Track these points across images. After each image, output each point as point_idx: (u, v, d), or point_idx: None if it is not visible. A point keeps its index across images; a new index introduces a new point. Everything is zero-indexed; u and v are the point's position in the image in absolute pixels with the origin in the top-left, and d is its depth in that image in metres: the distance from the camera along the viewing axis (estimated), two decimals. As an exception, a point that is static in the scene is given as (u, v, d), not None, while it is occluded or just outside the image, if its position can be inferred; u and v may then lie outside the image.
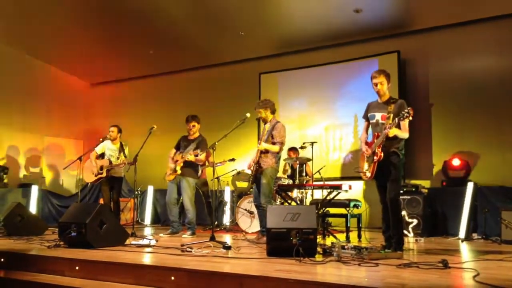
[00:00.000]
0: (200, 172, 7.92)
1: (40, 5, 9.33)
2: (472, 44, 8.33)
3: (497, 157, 7.80)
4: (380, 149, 4.65)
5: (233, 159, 8.15)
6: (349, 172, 8.71)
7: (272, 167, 5.94)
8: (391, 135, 4.57)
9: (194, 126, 6.86)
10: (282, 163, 7.39)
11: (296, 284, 3.15)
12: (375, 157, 4.67)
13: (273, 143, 5.92)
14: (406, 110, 4.47)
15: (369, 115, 4.95)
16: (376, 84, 4.81)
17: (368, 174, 4.78)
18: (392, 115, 4.66)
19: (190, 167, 6.72)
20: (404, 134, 4.66)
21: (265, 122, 6.13)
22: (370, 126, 4.97)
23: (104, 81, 12.77)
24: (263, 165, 5.88)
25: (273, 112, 6.16)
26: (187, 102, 11.19)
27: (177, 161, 6.65)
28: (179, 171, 6.61)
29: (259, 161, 5.93)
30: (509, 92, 7.82)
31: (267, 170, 5.89)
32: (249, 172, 6.36)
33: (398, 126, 4.63)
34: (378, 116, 4.82)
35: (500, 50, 8.07)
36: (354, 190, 6.28)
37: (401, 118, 4.50)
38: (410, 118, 4.47)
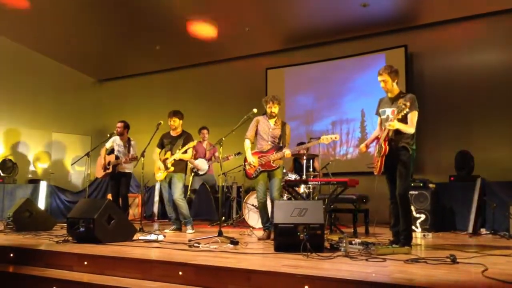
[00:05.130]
0: (207, 167, 7.96)
1: (49, 3, 9.37)
2: (480, 38, 8.27)
3: (505, 152, 7.75)
4: (386, 143, 4.62)
5: (239, 153, 8.13)
6: (356, 167, 8.69)
7: (283, 163, 5.99)
8: (390, 128, 4.53)
9: (175, 121, 6.79)
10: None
11: (304, 279, 3.16)
12: (381, 151, 4.65)
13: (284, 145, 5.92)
14: (403, 102, 4.44)
15: (380, 111, 4.93)
16: (380, 82, 4.80)
17: (377, 168, 4.77)
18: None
19: (180, 163, 6.72)
20: (407, 128, 4.58)
21: (273, 117, 5.99)
22: (382, 122, 4.95)
23: (111, 77, 12.81)
24: (275, 164, 5.83)
25: None
26: (194, 97, 11.22)
27: (166, 159, 6.65)
28: (171, 168, 6.60)
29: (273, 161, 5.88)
30: (518, 86, 7.77)
31: (281, 167, 5.89)
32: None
33: (405, 121, 4.59)
34: (388, 111, 4.78)
35: (509, 44, 8.00)
36: (362, 185, 6.25)
37: (398, 111, 4.46)
38: (407, 110, 4.42)
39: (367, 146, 5.06)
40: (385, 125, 4.76)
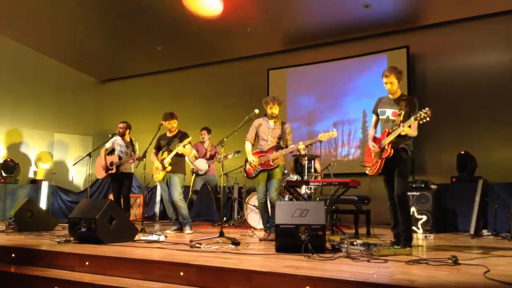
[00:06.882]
0: (207, 167, 7.95)
1: (51, 3, 9.38)
2: (482, 39, 8.26)
3: (507, 152, 7.74)
4: (390, 146, 4.63)
5: (238, 151, 8.10)
6: (358, 168, 8.66)
7: (283, 163, 5.96)
8: (403, 133, 4.55)
9: (175, 122, 6.84)
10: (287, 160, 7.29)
11: (305, 280, 3.15)
12: (383, 154, 4.65)
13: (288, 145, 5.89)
14: (424, 111, 4.38)
15: (379, 110, 4.92)
16: (386, 83, 4.79)
17: (374, 169, 4.77)
18: (403, 112, 4.63)
19: (178, 163, 6.74)
20: (414, 133, 4.65)
21: (273, 118, 5.98)
22: (380, 122, 4.95)
23: (113, 78, 12.83)
24: (275, 163, 5.81)
25: None
26: (196, 98, 11.24)
27: (164, 159, 6.66)
28: (168, 168, 6.62)
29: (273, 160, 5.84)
30: (520, 87, 7.76)
31: (280, 167, 5.87)
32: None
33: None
34: (389, 112, 4.79)
35: (510, 45, 7.99)
36: (363, 186, 6.26)
37: (418, 118, 4.43)
38: (428, 119, 4.39)
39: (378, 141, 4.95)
40: (386, 127, 4.75)
